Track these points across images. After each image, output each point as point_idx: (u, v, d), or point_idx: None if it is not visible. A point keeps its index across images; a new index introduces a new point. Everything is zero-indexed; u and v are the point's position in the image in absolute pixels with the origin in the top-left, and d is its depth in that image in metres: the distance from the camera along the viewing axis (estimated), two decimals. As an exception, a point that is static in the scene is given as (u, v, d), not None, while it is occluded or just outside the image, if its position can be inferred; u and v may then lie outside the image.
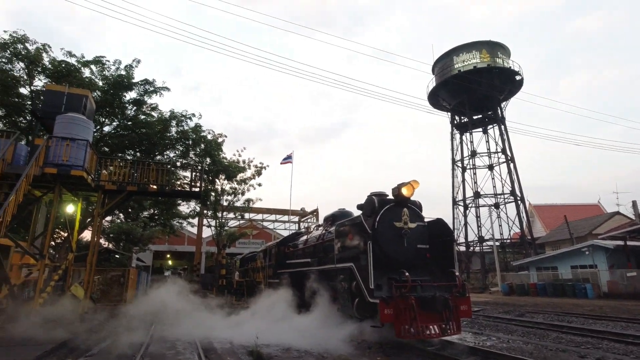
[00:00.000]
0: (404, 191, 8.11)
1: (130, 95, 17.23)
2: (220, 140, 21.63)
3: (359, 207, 8.75)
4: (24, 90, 15.60)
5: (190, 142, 19.23)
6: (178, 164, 19.18)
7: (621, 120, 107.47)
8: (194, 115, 18.89)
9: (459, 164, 38.33)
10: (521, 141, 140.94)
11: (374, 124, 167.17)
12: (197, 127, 19.10)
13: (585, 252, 23.04)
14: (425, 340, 7.46)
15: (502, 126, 36.55)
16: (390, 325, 7.06)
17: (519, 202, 34.62)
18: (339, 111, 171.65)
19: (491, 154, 37.10)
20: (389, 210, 8.11)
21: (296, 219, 46.35)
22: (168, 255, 48.89)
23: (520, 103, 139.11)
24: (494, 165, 36.73)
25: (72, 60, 16.04)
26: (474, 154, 37.40)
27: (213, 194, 25.82)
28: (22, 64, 15.12)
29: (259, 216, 44.40)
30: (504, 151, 36.10)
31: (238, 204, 29.22)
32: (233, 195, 28.39)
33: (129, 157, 17.37)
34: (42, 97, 12.26)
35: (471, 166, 37.30)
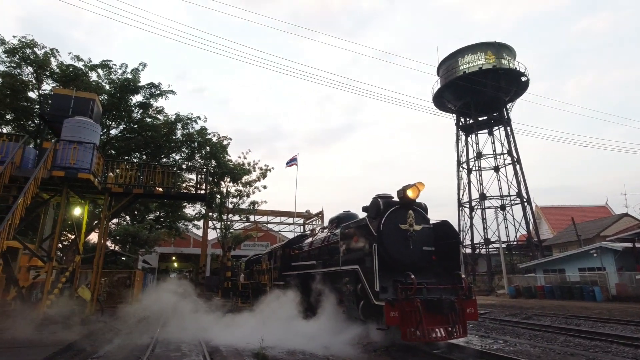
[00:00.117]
0: (410, 193, 8.09)
1: (137, 98, 17.44)
2: (225, 142, 21.81)
3: (364, 209, 8.73)
4: (32, 94, 15.83)
5: (196, 144, 19.37)
6: (184, 166, 19.33)
7: (628, 121, 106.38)
8: (199, 118, 19.06)
9: (465, 165, 38.14)
10: (527, 142, 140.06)
11: (379, 126, 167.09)
12: (202, 130, 19.24)
13: (593, 254, 22.80)
14: (431, 343, 7.42)
15: (508, 127, 36.34)
16: (396, 328, 7.03)
17: (526, 203, 34.35)
18: (343, 114, 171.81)
19: (497, 155, 36.88)
20: (394, 213, 8.08)
21: (301, 221, 46.37)
22: (174, 258, 49.11)
23: (526, 104, 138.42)
24: (500, 166, 36.49)
25: (80, 65, 16.26)
26: (479, 155, 37.19)
27: (218, 196, 25.98)
28: (30, 69, 15.34)
29: (264, 218, 44.49)
30: (509, 153, 35.86)
31: (243, 206, 29.28)
32: (238, 198, 28.46)
33: (135, 160, 17.54)
34: (50, 101, 12.44)
35: (477, 168, 37.09)
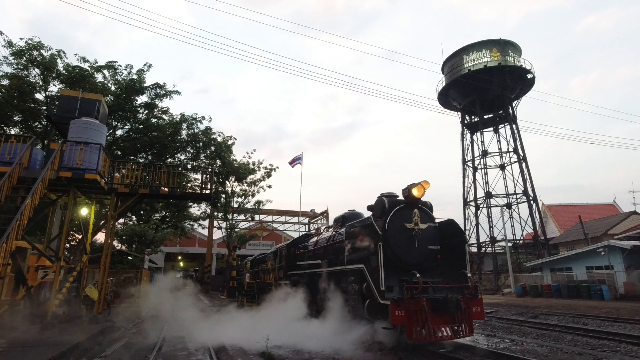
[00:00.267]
0: (415, 192, 8.06)
1: (142, 99, 17.54)
2: (230, 142, 21.85)
3: (369, 208, 8.71)
4: (39, 96, 15.97)
5: (201, 144, 19.45)
6: (189, 166, 19.41)
7: (636, 118, 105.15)
8: (204, 118, 19.12)
9: (470, 164, 37.90)
10: (533, 140, 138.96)
11: (383, 125, 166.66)
12: (207, 130, 19.30)
13: (601, 252, 22.56)
14: (437, 343, 7.40)
15: (514, 125, 36.05)
16: (402, 327, 7.02)
17: (532, 202, 34.08)
18: (347, 113, 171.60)
19: (502, 153, 36.58)
20: (400, 211, 8.06)
21: (306, 220, 46.43)
22: (179, 257, 49.39)
23: (532, 102, 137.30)
24: (506, 165, 36.22)
25: (86, 66, 16.37)
26: (485, 153, 36.93)
27: (223, 196, 26.07)
28: (37, 70, 15.48)
29: (269, 218, 44.60)
30: (515, 151, 35.58)
31: (248, 205, 29.38)
32: (243, 197, 28.56)
33: (140, 160, 17.64)
34: (56, 102, 12.54)
35: (482, 166, 36.83)
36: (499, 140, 37.31)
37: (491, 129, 38.14)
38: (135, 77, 17.04)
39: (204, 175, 14.52)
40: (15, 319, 9.27)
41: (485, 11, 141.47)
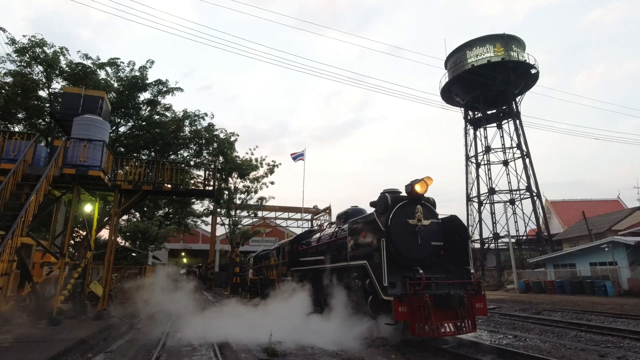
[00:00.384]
0: (418, 188, 8.05)
1: (145, 95, 17.53)
2: (232, 139, 21.85)
3: (372, 204, 8.71)
4: (42, 93, 16.01)
5: (204, 141, 19.45)
6: (192, 163, 19.45)
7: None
8: (206, 114, 19.11)
9: (473, 159, 37.75)
10: (537, 136, 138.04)
11: (386, 121, 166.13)
12: (209, 127, 19.30)
13: (605, 248, 22.47)
14: (440, 338, 7.41)
15: (517, 121, 35.81)
16: (405, 323, 7.03)
17: (535, 198, 33.93)
18: (350, 109, 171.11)
19: (506, 149, 36.40)
20: (403, 208, 8.05)
21: (309, 216, 46.43)
22: (183, 254, 49.62)
23: (536, 97, 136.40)
24: (509, 160, 36.05)
25: (88, 63, 16.38)
26: (488, 149, 36.78)
27: (226, 192, 26.11)
28: (40, 67, 15.50)
29: (272, 214, 44.63)
30: (519, 146, 35.39)
31: (251, 202, 29.41)
32: (246, 194, 28.58)
33: (144, 157, 17.68)
34: (60, 99, 12.55)
35: (485, 162, 36.69)
36: (502, 136, 37.12)
37: (494, 124, 37.92)
38: (137, 74, 17.03)
39: (207, 172, 14.52)
40: (21, 314, 9.37)
41: (490, 6, 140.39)
